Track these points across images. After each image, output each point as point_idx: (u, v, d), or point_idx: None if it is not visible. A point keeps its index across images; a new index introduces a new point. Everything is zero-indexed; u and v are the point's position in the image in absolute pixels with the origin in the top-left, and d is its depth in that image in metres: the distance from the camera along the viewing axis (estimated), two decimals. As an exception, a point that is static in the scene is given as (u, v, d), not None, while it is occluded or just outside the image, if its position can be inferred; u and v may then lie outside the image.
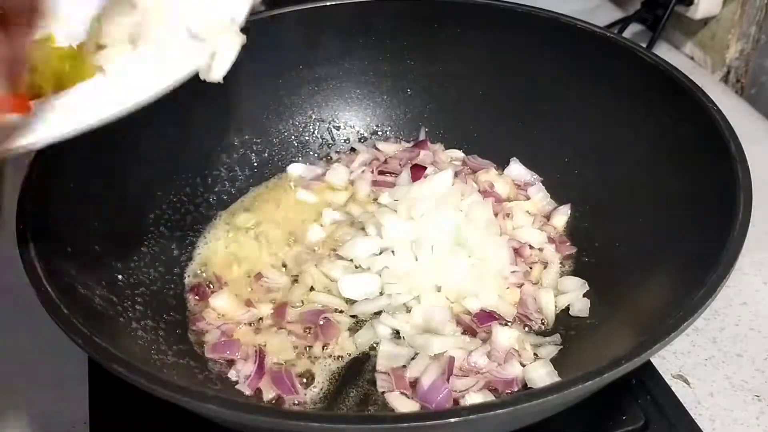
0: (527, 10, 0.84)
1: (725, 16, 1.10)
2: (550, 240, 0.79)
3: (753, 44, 1.12)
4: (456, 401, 0.63)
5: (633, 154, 0.76)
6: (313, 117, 0.92)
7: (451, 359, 0.65)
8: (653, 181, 0.72)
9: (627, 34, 1.14)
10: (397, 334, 0.70)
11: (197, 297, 0.74)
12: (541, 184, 0.85)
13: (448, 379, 0.64)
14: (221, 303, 0.73)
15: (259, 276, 0.76)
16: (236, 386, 0.66)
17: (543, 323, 0.71)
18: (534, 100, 0.86)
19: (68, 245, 0.62)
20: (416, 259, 0.73)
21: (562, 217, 0.82)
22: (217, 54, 0.55)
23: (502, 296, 0.72)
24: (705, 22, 1.13)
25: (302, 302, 0.74)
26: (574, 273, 0.76)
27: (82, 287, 0.60)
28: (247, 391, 0.66)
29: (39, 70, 0.49)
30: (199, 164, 0.84)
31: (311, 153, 0.92)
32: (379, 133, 0.94)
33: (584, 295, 0.72)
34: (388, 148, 0.92)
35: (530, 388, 0.64)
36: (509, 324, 0.70)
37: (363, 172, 0.88)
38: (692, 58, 1.18)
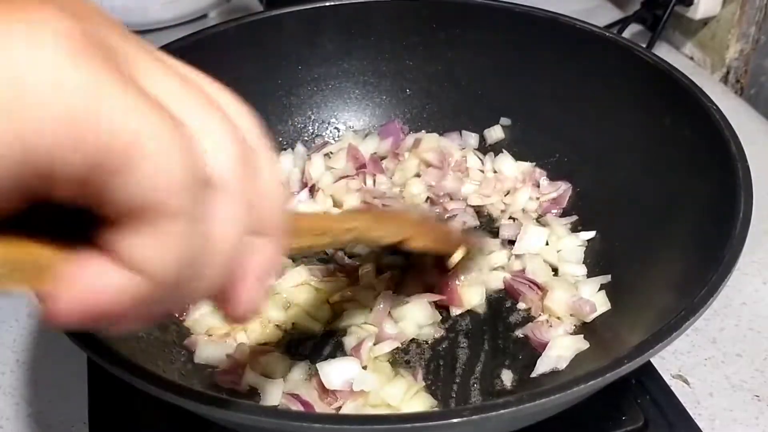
0: (527, 10, 0.84)
1: (725, 17, 1.10)
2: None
3: (753, 44, 1.12)
4: None
5: (632, 154, 0.76)
6: (312, 117, 0.92)
7: None
8: (653, 181, 0.72)
9: (626, 34, 1.14)
10: None
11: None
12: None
13: None
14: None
15: None
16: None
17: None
18: (533, 100, 0.86)
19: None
20: None
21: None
22: None
23: None
24: (705, 22, 1.13)
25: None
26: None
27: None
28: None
29: None
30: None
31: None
32: (379, 133, 0.94)
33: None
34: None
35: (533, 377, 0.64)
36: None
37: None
38: (692, 59, 1.18)
